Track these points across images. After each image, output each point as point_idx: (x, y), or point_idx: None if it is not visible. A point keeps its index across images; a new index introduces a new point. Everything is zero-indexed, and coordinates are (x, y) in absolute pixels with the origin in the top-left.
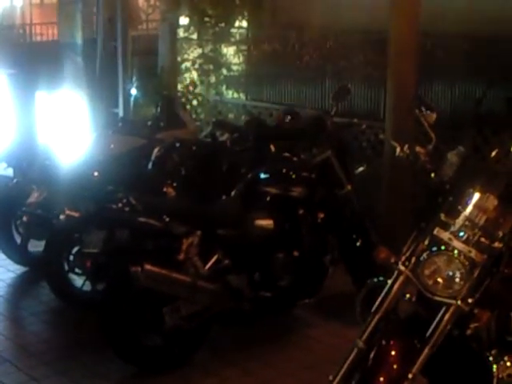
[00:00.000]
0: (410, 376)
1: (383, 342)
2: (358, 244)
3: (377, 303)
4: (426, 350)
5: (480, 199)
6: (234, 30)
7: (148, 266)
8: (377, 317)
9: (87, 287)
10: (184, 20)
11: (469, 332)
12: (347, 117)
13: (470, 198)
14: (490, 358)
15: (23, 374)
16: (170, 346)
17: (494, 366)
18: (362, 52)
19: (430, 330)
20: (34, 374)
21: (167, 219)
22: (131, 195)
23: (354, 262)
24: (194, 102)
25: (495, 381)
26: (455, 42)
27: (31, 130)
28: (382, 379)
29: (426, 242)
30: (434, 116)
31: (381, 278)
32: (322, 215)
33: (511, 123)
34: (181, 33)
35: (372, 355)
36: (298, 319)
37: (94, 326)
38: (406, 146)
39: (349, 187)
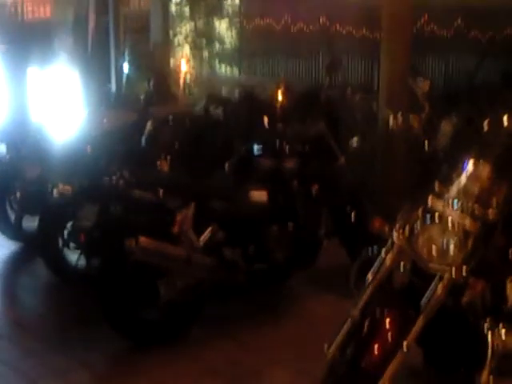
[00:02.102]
0: (404, 345)
1: (378, 312)
2: (352, 216)
3: (371, 273)
4: (421, 320)
5: (474, 168)
6: (226, 4)
7: (142, 240)
8: (371, 287)
9: (82, 262)
10: None
11: (463, 301)
12: (340, 89)
13: (464, 167)
14: (485, 327)
15: (19, 349)
16: (166, 320)
17: (489, 335)
18: (357, 25)
19: (425, 299)
20: (30, 348)
21: (161, 193)
22: (125, 169)
23: (348, 234)
24: (187, 77)
25: (490, 349)
26: (449, 14)
27: (24, 106)
28: (376, 348)
29: (420, 212)
30: (428, 85)
31: (375, 249)
32: (315, 187)
33: (505, 95)
34: (173, 8)
35: (366, 325)
36: (293, 291)
37: (89, 300)
38: (400, 115)
39: (342, 159)
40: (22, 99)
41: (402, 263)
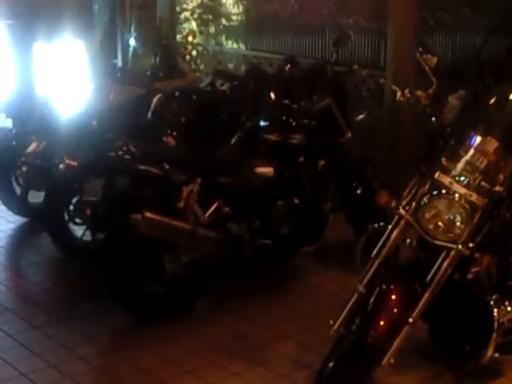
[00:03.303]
0: (410, 320)
1: (383, 287)
2: (358, 191)
3: (377, 248)
4: (427, 295)
5: (481, 143)
6: None
7: (148, 214)
8: (377, 261)
9: (87, 237)
10: None
11: (469, 276)
12: (347, 64)
13: (471, 142)
14: (491, 303)
15: (24, 323)
16: (171, 294)
17: (495, 311)
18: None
19: (431, 274)
20: (35, 322)
21: (167, 167)
22: (130, 143)
23: (354, 210)
24: (193, 52)
25: (496, 325)
26: None
27: (30, 80)
28: (382, 323)
29: (427, 187)
30: (435, 60)
31: (381, 224)
32: (322, 163)
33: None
34: None
35: (372, 300)
36: (299, 267)
37: (94, 275)
38: (407, 90)
39: (349, 134)
40: (29, 74)
41: (408, 238)
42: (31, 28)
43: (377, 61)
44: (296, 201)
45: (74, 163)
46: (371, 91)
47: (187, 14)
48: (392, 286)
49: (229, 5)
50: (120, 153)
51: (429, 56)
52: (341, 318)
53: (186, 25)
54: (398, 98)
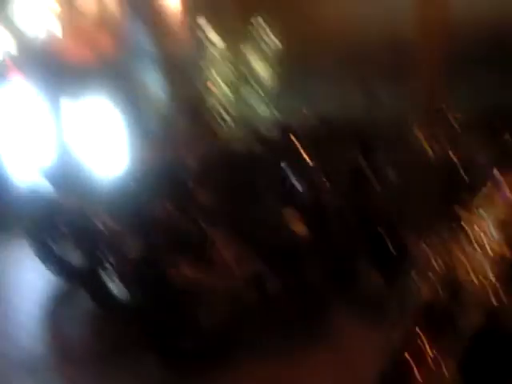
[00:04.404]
0: (444, 371)
1: (417, 337)
2: (389, 244)
3: (409, 298)
4: (460, 344)
5: (509, 194)
6: (265, 46)
7: (184, 269)
8: (410, 312)
9: (125, 293)
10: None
11: (504, 324)
12: (378, 121)
13: (502, 195)
14: None
15: (63, 379)
16: (206, 348)
17: None
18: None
19: (463, 323)
20: (74, 378)
21: (203, 224)
22: (167, 202)
23: (385, 262)
24: (226, 116)
25: None
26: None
27: (66, 142)
28: (416, 374)
29: (456, 233)
30: (458, 115)
31: (413, 274)
32: (353, 219)
33: None
34: (212, 49)
35: (406, 349)
36: (332, 320)
37: (132, 330)
38: (434, 141)
39: (380, 191)
40: (65, 135)
41: (439, 285)
42: (65, 88)
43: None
44: (328, 255)
45: (112, 221)
46: (400, 145)
47: (220, 78)
48: (425, 335)
49: (260, 68)
50: (157, 211)
51: (451, 110)
52: (375, 370)
53: (218, 89)
54: (425, 148)
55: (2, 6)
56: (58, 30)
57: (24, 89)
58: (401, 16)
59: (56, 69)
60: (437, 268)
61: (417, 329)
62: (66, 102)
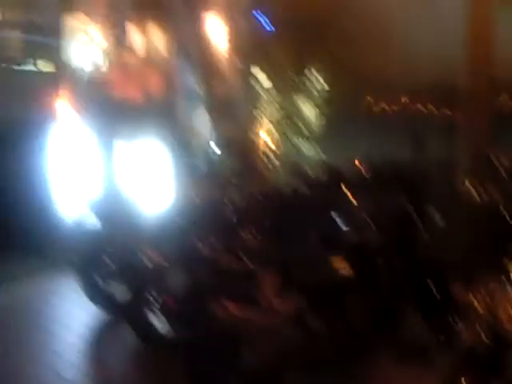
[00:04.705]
0: None
1: (462, 381)
2: (436, 293)
3: (455, 343)
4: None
5: None
6: (312, 88)
7: (229, 306)
8: (457, 357)
9: (169, 329)
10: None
11: None
12: (423, 165)
13: None
14: None
15: None
16: None
17: None
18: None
19: (509, 371)
20: None
21: (248, 261)
22: (213, 237)
23: (430, 308)
24: (272, 156)
25: None
26: None
27: (114, 178)
28: None
29: (503, 282)
30: (508, 158)
31: (459, 320)
32: (399, 260)
33: None
34: (259, 89)
35: None
36: (373, 363)
37: (175, 365)
38: (480, 185)
39: (427, 236)
40: (113, 171)
41: (484, 332)
42: (116, 128)
43: (451, 160)
44: (373, 299)
45: (159, 257)
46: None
47: (267, 119)
48: (471, 380)
49: (307, 112)
50: (201, 246)
51: (500, 153)
52: None
53: (265, 129)
54: (473, 194)
55: (55, 46)
56: (108, 70)
57: (75, 125)
58: (450, 64)
59: (106, 107)
60: (482, 317)
61: (461, 375)
62: (115, 140)
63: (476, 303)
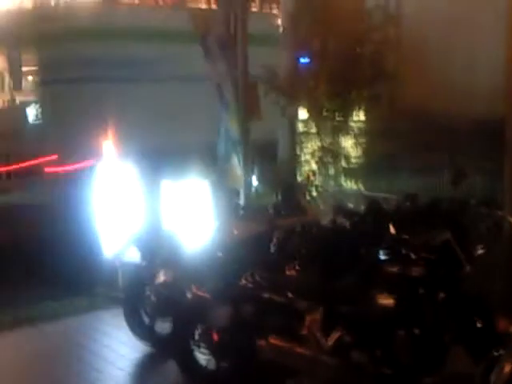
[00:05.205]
0: None
1: None
2: (478, 324)
3: (496, 373)
4: None
5: None
6: (351, 123)
7: (272, 340)
8: None
9: (213, 363)
10: (302, 114)
11: None
12: (465, 200)
13: None
14: None
15: None
16: None
17: None
18: (478, 140)
19: None
20: None
21: (290, 295)
22: (256, 273)
23: (474, 342)
24: (313, 192)
25: None
26: None
27: (157, 216)
28: None
29: None
30: None
31: (501, 352)
32: (442, 295)
33: None
34: (300, 127)
35: None
36: None
37: None
38: None
39: (468, 269)
40: (156, 209)
41: None
42: (159, 167)
43: (493, 195)
44: (416, 331)
45: (202, 292)
46: (489, 225)
47: (307, 154)
48: None
49: (348, 147)
50: (246, 282)
51: None
52: None
53: (306, 165)
54: None
55: None
56: None
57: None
58: (489, 92)
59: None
60: None
61: None
62: (158, 176)
63: None
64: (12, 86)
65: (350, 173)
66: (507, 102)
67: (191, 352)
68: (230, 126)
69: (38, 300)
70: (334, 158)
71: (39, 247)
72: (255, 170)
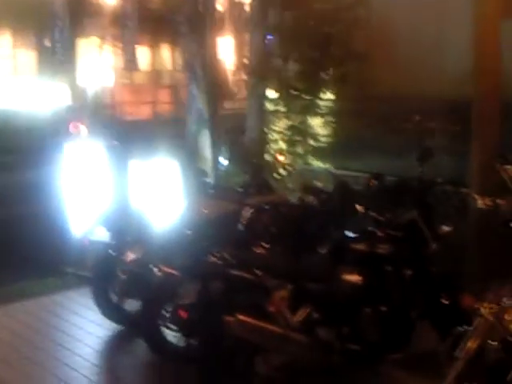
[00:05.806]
0: None
1: None
2: (444, 301)
3: (460, 350)
4: None
5: None
6: (320, 103)
7: (241, 317)
8: (461, 364)
9: (181, 341)
10: (271, 94)
11: None
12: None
13: None
14: None
15: None
16: None
17: None
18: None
19: None
20: None
21: (259, 273)
22: (224, 251)
23: (439, 317)
24: (282, 171)
25: None
26: None
27: (126, 195)
28: None
29: (510, 291)
30: None
31: (466, 327)
32: (408, 272)
33: None
34: (268, 106)
35: None
36: (385, 374)
37: (189, 379)
38: (488, 199)
39: (434, 246)
40: (125, 189)
41: (491, 339)
42: (127, 148)
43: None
44: (383, 308)
45: (170, 270)
46: (455, 203)
47: (276, 134)
48: None
49: (316, 127)
50: (214, 259)
51: (509, 167)
52: None
53: (274, 145)
54: (479, 205)
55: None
56: (118, 88)
57: (88, 145)
58: (458, 74)
59: (115, 124)
60: (491, 327)
61: (468, 380)
62: (126, 156)
63: (486, 314)
64: None
65: (318, 152)
66: (474, 84)
67: (160, 330)
68: (201, 104)
69: (6, 281)
70: (302, 137)
71: (6, 227)
72: (224, 151)
